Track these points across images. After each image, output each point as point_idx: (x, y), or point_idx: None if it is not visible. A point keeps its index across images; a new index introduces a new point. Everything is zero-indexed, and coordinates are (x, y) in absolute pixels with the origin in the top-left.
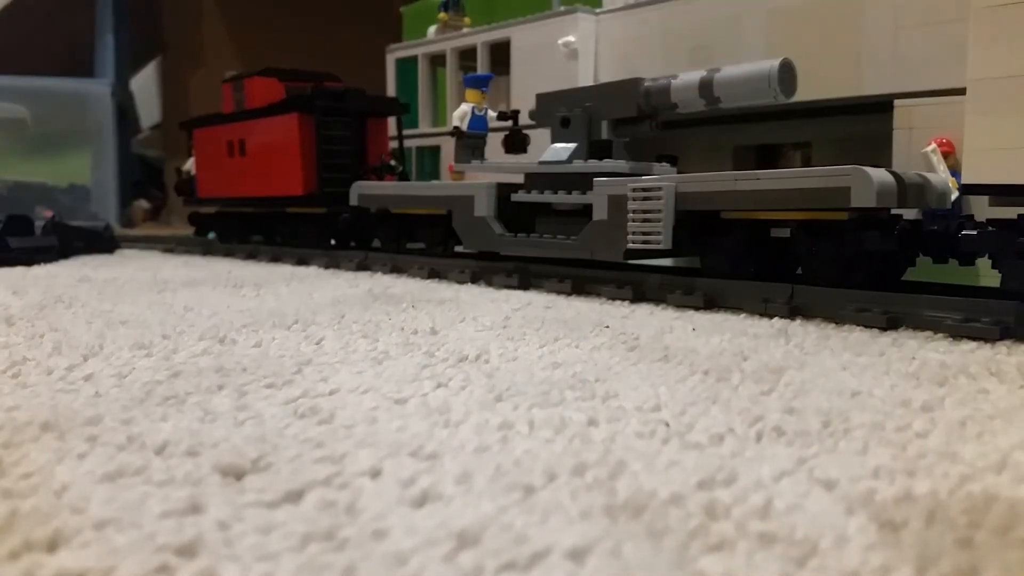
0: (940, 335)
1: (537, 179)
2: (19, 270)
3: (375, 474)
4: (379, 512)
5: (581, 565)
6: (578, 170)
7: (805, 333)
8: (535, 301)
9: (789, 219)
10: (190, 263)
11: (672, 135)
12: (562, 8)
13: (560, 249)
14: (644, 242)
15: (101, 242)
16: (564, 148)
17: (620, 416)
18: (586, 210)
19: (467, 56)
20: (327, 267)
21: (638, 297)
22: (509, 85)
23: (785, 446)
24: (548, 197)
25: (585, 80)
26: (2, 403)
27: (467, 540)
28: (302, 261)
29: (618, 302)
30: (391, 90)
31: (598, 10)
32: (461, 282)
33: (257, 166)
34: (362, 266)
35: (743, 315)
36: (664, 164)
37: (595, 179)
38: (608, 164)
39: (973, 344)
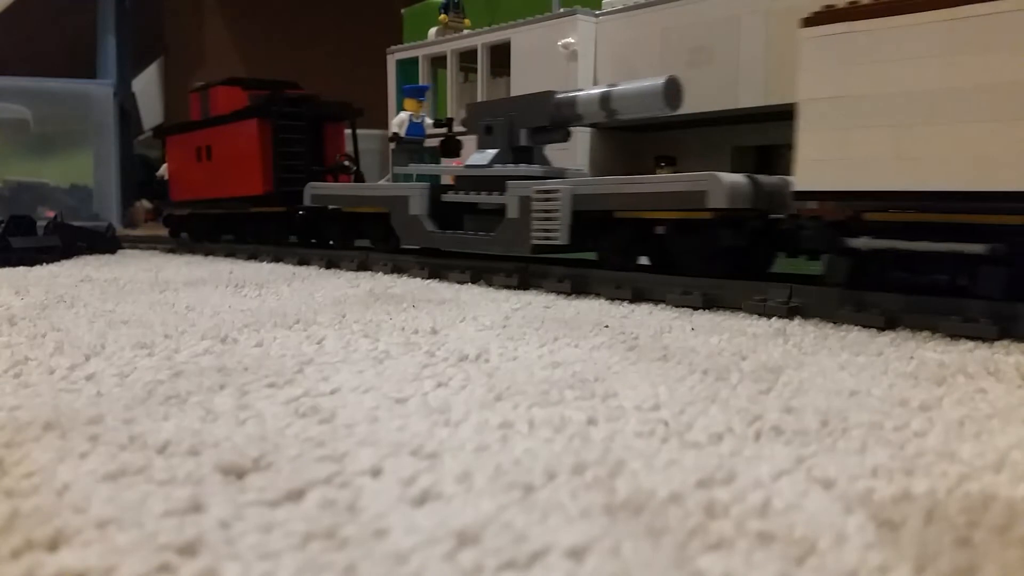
0: (938, 335)
1: (464, 181)
2: (21, 270)
3: (376, 473)
4: (380, 511)
5: (580, 564)
6: (496, 173)
7: (803, 333)
8: (535, 301)
9: (664, 218)
10: (192, 263)
11: (671, 136)
12: (562, 10)
13: (480, 244)
14: (546, 238)
15: (103, 242)
16: (487, 154)
17: (619, 415)
18: (503, 209)
19: (467, 58)
20: (328, 267)
21: (637, 297)
22: (509, 87)
23: (784, 445)
24: (472, 197)
25: (585, 81)
26: (4, 402)
27: (467, 539)
28: (303, 261)
29: (617, 302)
30: (392, 91)
31: (597, 12)
32: (461, 282)
33: (223, 169)
34: (363, 266)
35: (741, 315)
36: (579, 168)
37: (508, 182)
38: (522, 168)
39: (971, 344)
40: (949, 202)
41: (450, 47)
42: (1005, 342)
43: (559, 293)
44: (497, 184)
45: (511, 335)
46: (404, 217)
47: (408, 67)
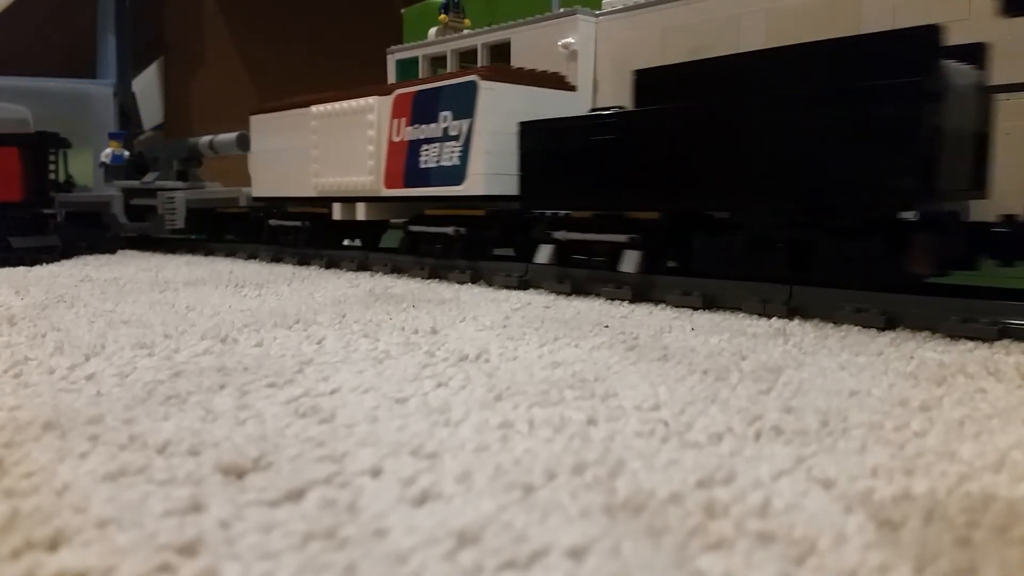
0: (938, 335)
1: (143, 192)
2: (21, 270)
3: (376, 473)
4: (380, 511)
5: (580, 564)
6: (156, 187)
7: (803, 333)
8: (535, 301)
9: (237, 212)
10: (192, 263)
11: None
12: (562, 10)
13: (145, 229)
14: (173, 224)
15: (103, 242)
16: (153, 175)
17: (619, 415)
18: (155, 208)
19: (467, 58)
20: (328, 267)
21: (637, 297)
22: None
23: (784, 445)
24: (145, 202)
25: (585, 80)
26: (4, 402)
27: (467, 539)
28: (303, 261)
29: (617, 302)
30: None
31: (597, 12)
32: (461, 282)
33: None
34: (363, 266)
35: (741, 315)
36: (216, 183)
37: (158, 192)
38: (168, 183)
39: (971, 344)
40: (299, 205)
41: (450, 47)
42: (1005, 342)
43: (559, 293)
44: (154, 194)
45: (511, 335)
46: (108, 214)
47: (408, 67)
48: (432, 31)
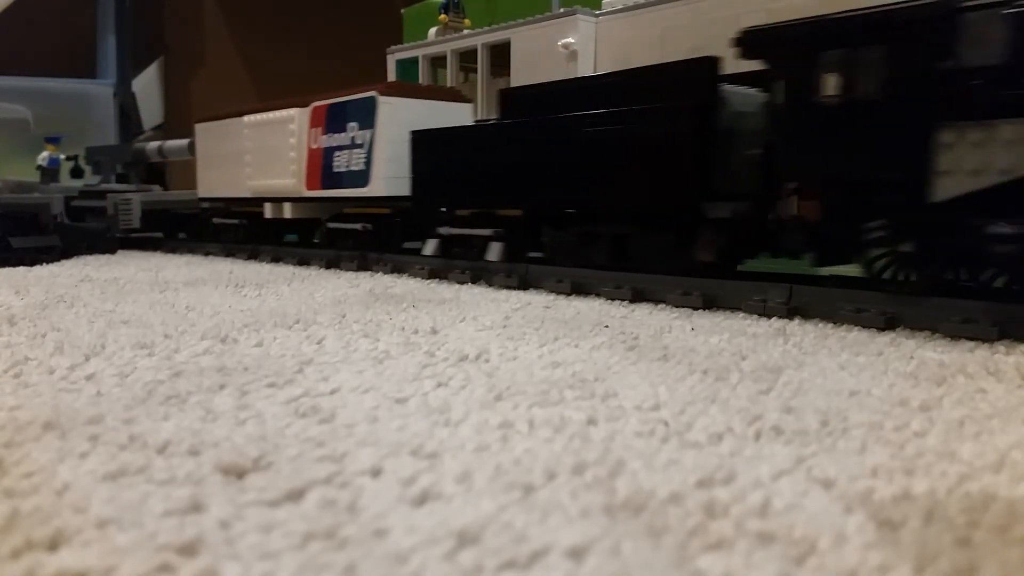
0: (938, 335)
1: (85, 195)
2: (21, 270)
3: (376, 473)
4: (380, 511)
5: (580, 564)
6: (102, 189)
7: (803, 333)
8: (535, 301)
9: (190, 213)
10: (192, 263)
11: None
12: (562, 10)
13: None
14: (128, 224)
15: (103, 242)
16: (96, 178)
17: (619, 415)
18: (105, 209)
19: (467, 57)
20: (328, 267)
21: (637, 297)
22: (509, 87)
23: (784, 445)
24: (88, 203)
25: None
26: (4, 402)
27: (467, 539)
28: (303, 261)
29: (617, 302)
30: None
31: (597, 12)
32: (461, 282)
33: None
34: (363, 266)
35: (741, 315)
36: (156, 186)
37: (108, 194)
38: (117, 186)
39: (971, 344)
40: (239, 205)
41: (450, 47)
42: (1005, 342)
43: (559, 293)
44: (102, 195)
45: (511, 335)
46: (47, 216)
47: (408, 67)
48: (432, 31)
